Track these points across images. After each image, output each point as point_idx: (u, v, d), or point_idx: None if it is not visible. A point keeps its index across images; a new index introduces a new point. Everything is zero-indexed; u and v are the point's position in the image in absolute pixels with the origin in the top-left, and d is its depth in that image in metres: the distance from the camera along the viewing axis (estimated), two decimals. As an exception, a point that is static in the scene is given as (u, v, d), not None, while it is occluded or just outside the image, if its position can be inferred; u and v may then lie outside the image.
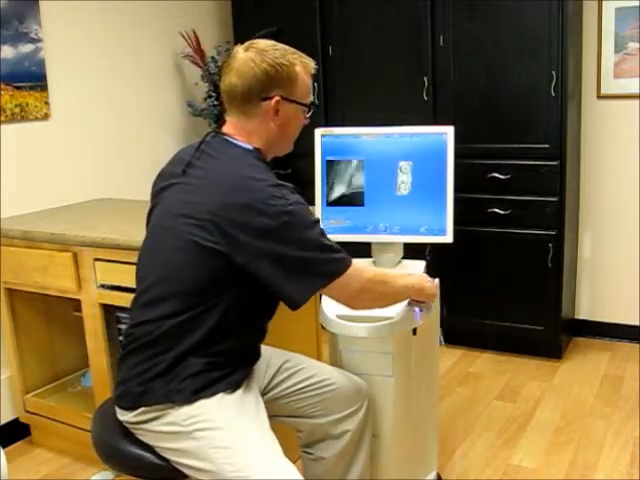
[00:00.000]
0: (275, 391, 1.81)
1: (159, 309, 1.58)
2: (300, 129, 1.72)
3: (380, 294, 1.72)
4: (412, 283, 1.83)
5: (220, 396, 1.57)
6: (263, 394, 1.78)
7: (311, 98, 1.70)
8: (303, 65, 1.65)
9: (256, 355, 1.74)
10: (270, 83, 1.60)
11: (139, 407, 1.59)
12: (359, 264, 1.64)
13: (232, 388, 1.60)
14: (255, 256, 1.51)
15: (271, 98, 1.61)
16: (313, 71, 1.68)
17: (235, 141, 1.64)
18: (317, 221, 1.59)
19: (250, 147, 1.63)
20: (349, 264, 1.60)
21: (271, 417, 1.81)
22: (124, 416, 1.63)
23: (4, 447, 2.42)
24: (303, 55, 1.67)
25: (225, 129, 1.67)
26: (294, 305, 1.57)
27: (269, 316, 1.72)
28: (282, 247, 1.51)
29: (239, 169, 1.58)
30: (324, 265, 1.56)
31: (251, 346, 1.71)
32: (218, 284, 1.55)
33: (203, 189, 1.57)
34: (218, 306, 1.56)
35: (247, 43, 1.64)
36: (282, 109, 1.62)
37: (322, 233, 1.58)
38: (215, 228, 1.52)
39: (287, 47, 1.65)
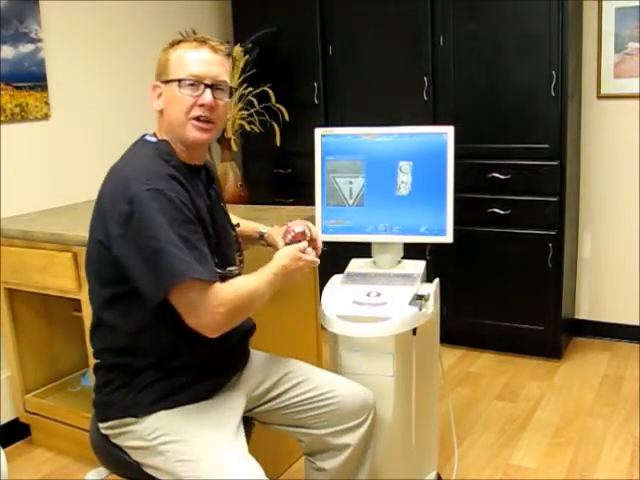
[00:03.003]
0: (276, 401, 1.78)
1: (99, 331, 1.64)
2: (188, 107, 1.58)
3: (247, 308, 1.57)
4: (274, 273, 1.64)
5: (184, 407, 1.57)
6: (262, 403, 1.77)
7: (187, 72, 1.57)
8: (185, 46, 1.61)
9: (229, 367, 1.70)
10: (156, 74, 1.63)
11: (108, 420, 1.61)
12: (222, 289, 1.49)
13: (197, 399, 1.59)
14: (120, 246, 1.48)
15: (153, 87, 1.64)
16: (197, 46, 1.59)
17: (146, 136, 1.66)
18: (185, 219, 1.49)
19: (154, 140, 1.64)
20: (198, 278, 1.45)
21: (271, 426, 1.81)
22: (101, 426, 1.65)
23: (4, 447, 2.41)
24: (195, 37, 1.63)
25: None
26: (149, 300, 1.48)
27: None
28: (139, 235, 1.45)
29: (125, 161, 1.61)
30: (176, 261, 1.44)
31: (215, 358, 1.63)
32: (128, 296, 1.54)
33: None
34: (151, 327, 1.55)
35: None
36: (164, 93, 1.61)
37: (185, 230, 1.48)
38: (99, 225, 1.56)
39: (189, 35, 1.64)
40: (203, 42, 1.60)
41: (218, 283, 1.49)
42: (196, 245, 1.49)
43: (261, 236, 1.96)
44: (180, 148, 1.62)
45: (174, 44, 1.62)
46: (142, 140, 1.66)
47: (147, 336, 1.55)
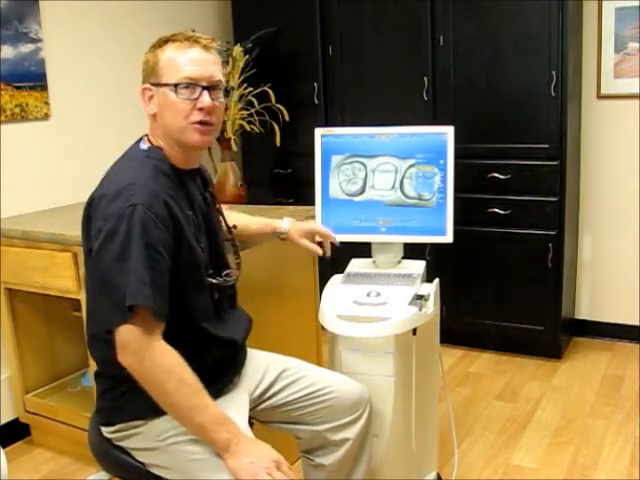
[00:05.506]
0: (274, 399, 1.78)
1: (99, 343, 1.60)
2: (187, 112, 1.53)
3: (157, 386, 1.44)
4: (211, 430, 1.44)
5: None
6: (261, 402, 1.76)
7: (181, 75, 1.52)
8: (175, 46, 1.54)
9: (232, 368, 1.70)
10: (144, 75, 1.58)
11: (114, 424, 1.59)
12: (170, 354, 1.43)
13: None
14: (91, 262, 1.47)
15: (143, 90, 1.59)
16: (189, 46, 1.54)
17: (140, 143, 1.62)
18: (148, 244, 1.41)
19: (145, 147, 1.60)
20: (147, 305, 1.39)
21: (269, 424, 1.80)
22: (104, 431, 1.63)
23: (4, 447, 2.41)
24: (184, 33, 1.56)
25: None
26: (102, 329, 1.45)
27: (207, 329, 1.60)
28: (106, 252, 1.42)
29: (116, 170, 1.57)
30: (127, 287, 1.38)
31: (220, 361, 1.64)
32: None
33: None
34: None
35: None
36: (156, 97, 1.56)
37: (152, 253, 1.41)
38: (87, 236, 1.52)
39: (177, 32, 1.58)
40: (194, 41, 1.55)
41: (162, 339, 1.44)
42: (156, 275, 1.43)
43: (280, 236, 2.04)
44: (177, 151, 1.59)
45: (161, 44, 1.56)
46: (136, 146, 1.63)
47: None
